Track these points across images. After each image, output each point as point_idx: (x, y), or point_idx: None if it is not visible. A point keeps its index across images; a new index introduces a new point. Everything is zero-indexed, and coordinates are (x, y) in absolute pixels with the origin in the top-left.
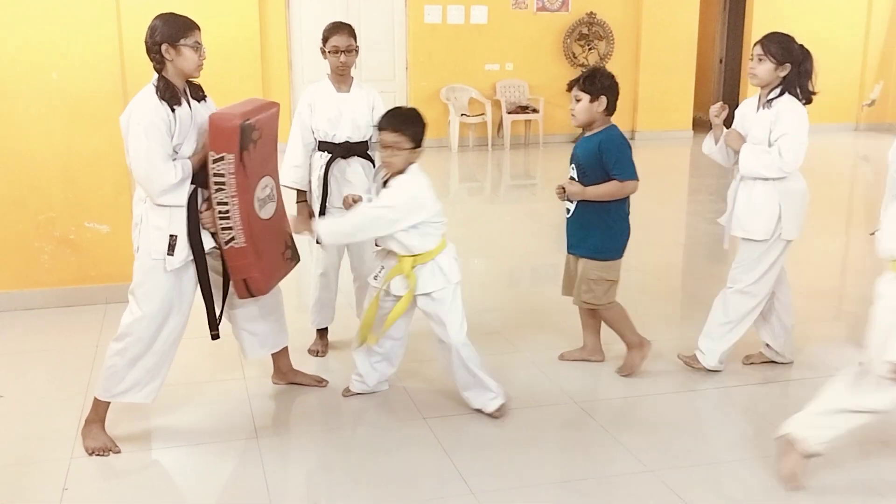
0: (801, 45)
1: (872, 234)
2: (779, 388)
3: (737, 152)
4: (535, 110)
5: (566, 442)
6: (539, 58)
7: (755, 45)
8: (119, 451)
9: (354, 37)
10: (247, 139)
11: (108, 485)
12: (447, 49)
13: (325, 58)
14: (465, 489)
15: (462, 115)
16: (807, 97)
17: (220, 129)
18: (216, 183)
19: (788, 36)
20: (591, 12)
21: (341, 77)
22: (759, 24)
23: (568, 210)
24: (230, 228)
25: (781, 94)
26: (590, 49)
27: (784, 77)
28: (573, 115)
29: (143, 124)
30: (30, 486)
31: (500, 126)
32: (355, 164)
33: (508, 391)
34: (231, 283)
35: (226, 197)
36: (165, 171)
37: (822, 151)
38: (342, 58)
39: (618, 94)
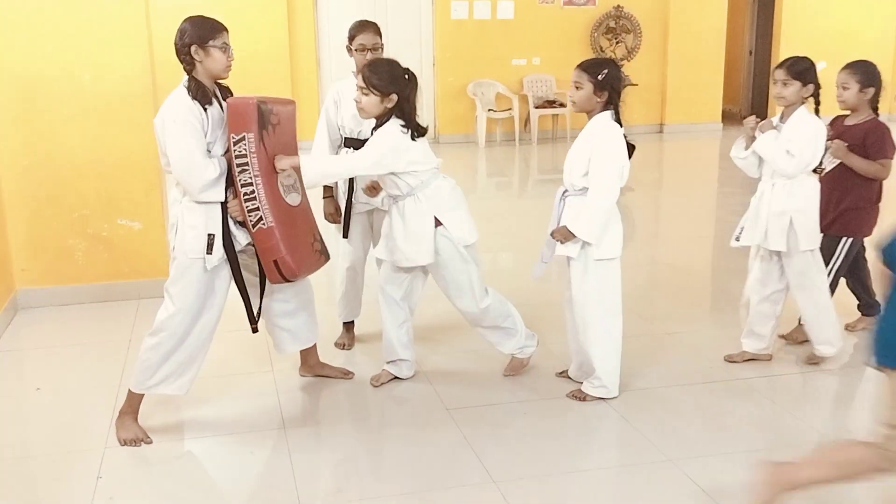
0: (407, 70)
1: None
2: (801, 378)
3: None
4: (562, 105)
5: (587, 432)
6: (566, 52)
7: (357, 77)
8: (150, 442)
9: (380, 35)
10: (265, 120)
11: (141, 474)
12: (474, 44)
13: (351, 56)
14: (486, 478)
15: (489, 110)
16: (413, 126)
17: (238, 109)
18: (239, 164)
19: (392, 62)
20: (618, 5)
21: None
22: (788, 15)
23: None
24: (257, 209)
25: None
26: (617, 42)
27: (391, 108)
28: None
29: (180, 123)
30: (65, 475)
31: (527, 121)
32: None
33: (533, 384)
34: (264, 270)
35: (250, 177)
36: (205, 167)
37: None
38: (368, 55)
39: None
